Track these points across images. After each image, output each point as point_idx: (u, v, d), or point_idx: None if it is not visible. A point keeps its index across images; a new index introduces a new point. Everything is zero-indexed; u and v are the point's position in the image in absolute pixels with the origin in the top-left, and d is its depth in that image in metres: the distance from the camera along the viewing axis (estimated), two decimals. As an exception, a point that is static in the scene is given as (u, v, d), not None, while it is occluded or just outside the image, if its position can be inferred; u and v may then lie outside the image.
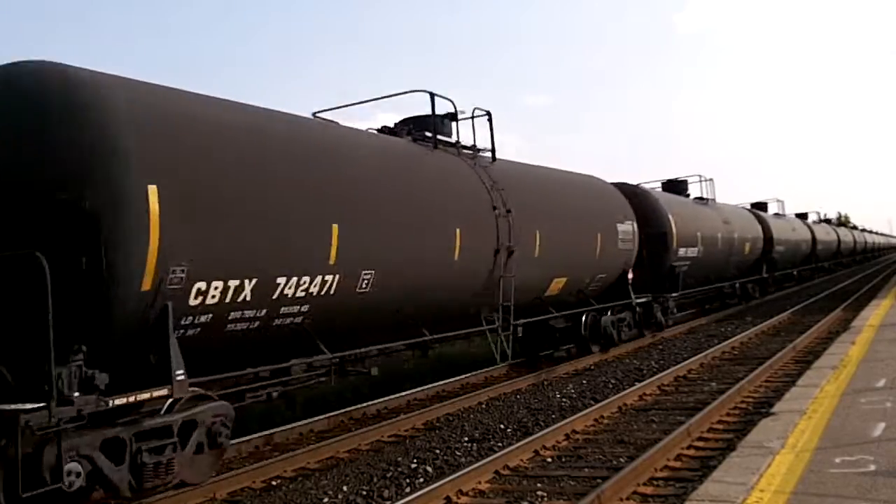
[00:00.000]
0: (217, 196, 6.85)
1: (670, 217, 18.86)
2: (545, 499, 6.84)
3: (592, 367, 14.73)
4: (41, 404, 5.52)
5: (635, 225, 16.50)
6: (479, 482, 7.33)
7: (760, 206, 35.55)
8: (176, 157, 6.58)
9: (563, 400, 11.53)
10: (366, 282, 8.61)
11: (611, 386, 12.55)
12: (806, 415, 7.91)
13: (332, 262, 8.02)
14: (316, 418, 10.36)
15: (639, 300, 16.67)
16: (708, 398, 10.79)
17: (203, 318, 6.84)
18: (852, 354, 11.91)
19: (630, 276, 16.28)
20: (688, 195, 23.69)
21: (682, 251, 19.49)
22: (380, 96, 12.75)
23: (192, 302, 6.64)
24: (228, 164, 7.12)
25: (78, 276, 5.87)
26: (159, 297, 6.30)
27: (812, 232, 40.39)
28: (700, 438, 8.61)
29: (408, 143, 11.01)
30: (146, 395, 6.33)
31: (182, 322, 6.65)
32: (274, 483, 7.95)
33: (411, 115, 11.76)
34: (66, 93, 6.18)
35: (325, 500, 7.28)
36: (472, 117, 12.36)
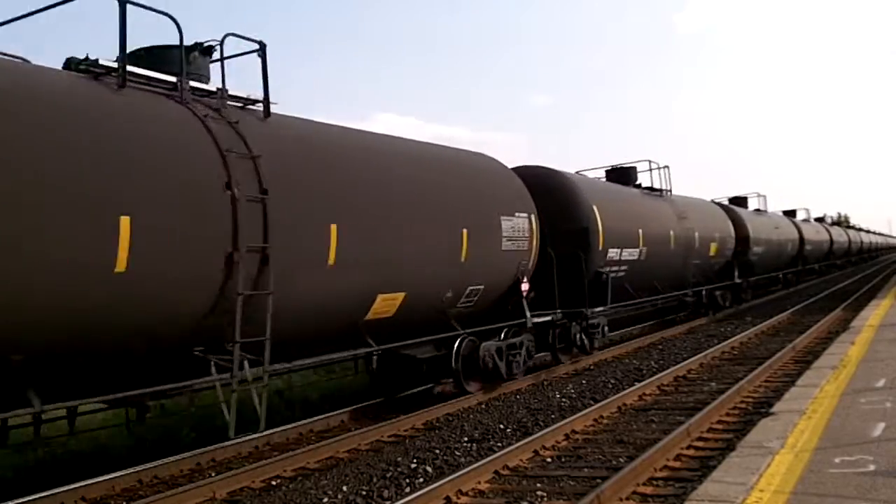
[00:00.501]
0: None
1: (594, 209, 14.93)
2: (545, 499, 6.84)
3: (592, 367, 14.73)
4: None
5: (534, 219, 12.71)
6: (479, 482, 7.33)
7: (739, 202, 31.23)
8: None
9: (563, 400, 11.53)
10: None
11: (610, 386, 12.55)
12: (805, 415, 7.91)
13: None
14: (315, 418, 10.36)
15: (539, 319, 12.97)
16: (707, 398, 10.79)
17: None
18: (852, 354, 11.91)
19: (524, 287, 12.42)
20: (638, 185, 19.72)
21: (612, 253, 15.77)
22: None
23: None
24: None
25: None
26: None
27: (799, 231, 36.91)
28: (700, 438, 8.60)
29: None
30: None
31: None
32: (274, 483, 7.95)
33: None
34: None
35: (325, 500, 7.28)
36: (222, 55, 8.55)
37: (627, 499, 6.66)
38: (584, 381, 13.08)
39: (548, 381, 13.35)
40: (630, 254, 16.63)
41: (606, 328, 15.91)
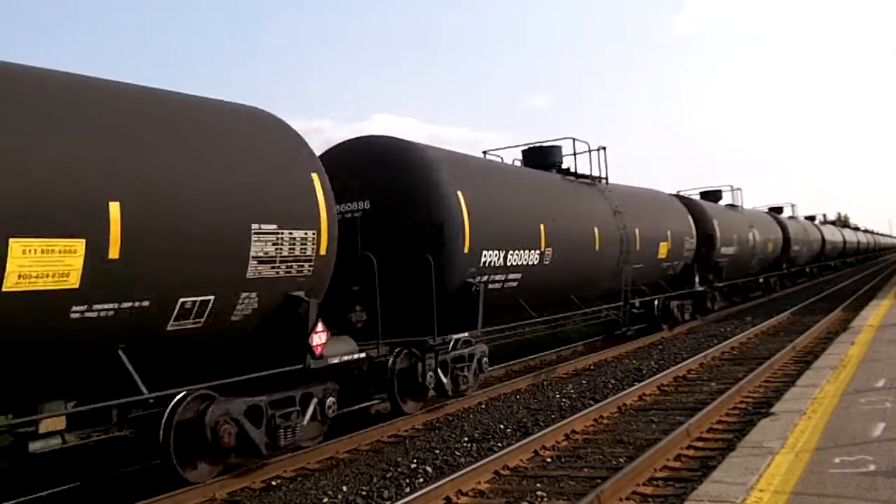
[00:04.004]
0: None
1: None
2: (545, 499, 6.84)
3: (592, 368, 14.74)
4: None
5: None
6: (479, 482, 7.33)
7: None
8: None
9: (563, 400, 11.53)
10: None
11: (610, 386, 12.56)
12: (805, 415, 7.91)
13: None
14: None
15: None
16: (707, 398, 10.79)
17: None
18: (852, 354, 11.91)
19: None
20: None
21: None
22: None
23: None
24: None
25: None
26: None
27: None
28: (700, 439, 8.61)
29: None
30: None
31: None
32: (274, 483, 7.95)
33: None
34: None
35: (325, 500, 7.29)
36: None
37: (627, 499, 6.66)
38: (583, 381, 13.08)
39: (548, 382, 13.35)
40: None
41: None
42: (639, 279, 17.61)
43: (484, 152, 14.98)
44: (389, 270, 9.84)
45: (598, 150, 16.83)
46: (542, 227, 12.96)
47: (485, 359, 11.72)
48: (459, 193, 10.89)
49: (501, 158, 14.93)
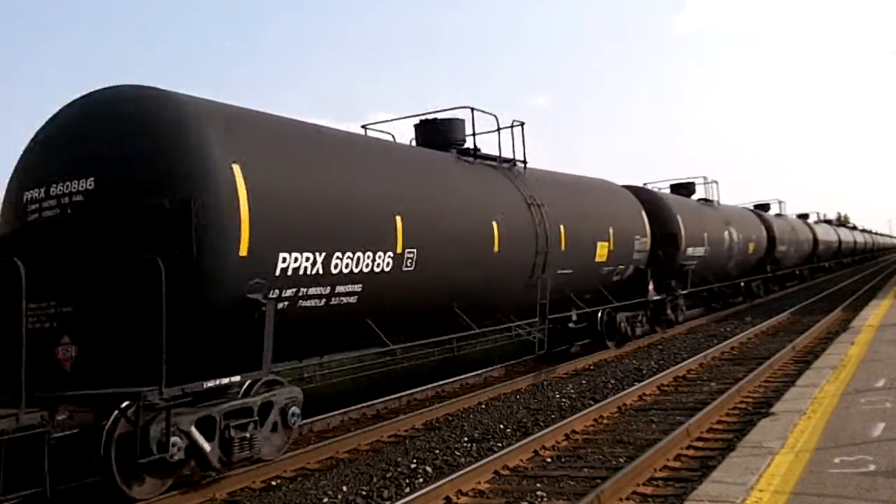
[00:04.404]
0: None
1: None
2: (545, 499, 6.84)
3: (592, 368, 14.74)
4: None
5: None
6: (479, 482, 7.33)
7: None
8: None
9: (563, 400, 11.53)
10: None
11: (610, 386, 12.56)
12: (805, 415, 7.91)
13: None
14: (315, 418, 10.35)
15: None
16: (707, 398, 10.79)
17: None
18: (852, 354, 11.91)
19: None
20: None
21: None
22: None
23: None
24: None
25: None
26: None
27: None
28: (699, 439, 8.61)
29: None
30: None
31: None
32: (274, 483, 7.95)
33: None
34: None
35: (325, 500, 7.29)
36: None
37: (627, 499, 6.66)
38: (583, 381, 13.08)
39: (548, 382, 13.35)
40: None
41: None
42: (568, 288, 14.20)
43: (363, 126, 12.05)
44: (110, 282, 6.97)
45: (512, 126, 13.54)
46: (398, 219, 9.57)
47: (294, 408, 8.18)
48: (236, 167, 7.47)
49: (394, 137, 12.08)
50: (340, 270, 8.60)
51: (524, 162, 13.70)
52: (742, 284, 27.18)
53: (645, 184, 21.68)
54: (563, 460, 8.16)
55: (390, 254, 9.34)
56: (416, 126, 12.78)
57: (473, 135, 12.73)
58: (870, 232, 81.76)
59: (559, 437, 8.95)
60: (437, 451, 8.77)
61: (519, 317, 12.82)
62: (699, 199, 24.40)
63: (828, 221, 52.82)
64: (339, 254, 8.55)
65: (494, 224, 11.60)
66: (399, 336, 10.31)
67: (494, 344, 14.60)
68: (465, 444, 9.09)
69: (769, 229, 29.74)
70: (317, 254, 8.23)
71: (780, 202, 36.63)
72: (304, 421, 9.02)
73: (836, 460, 6.13)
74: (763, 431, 7.41)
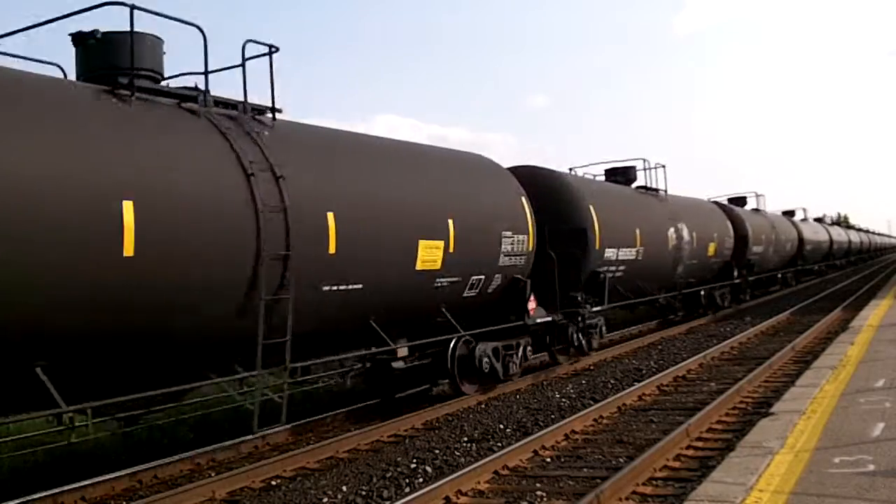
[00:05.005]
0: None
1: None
2: (544, 499, 6.84)
3: (592, 368, 14.74)
4: None
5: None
6: (479, 482, 7.33)
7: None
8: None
9: (563, 400, 11.53)
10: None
11: (610, 386, 12.56)
12: (805, 415, 7.91)
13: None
14: (314, 418, 10.35)
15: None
16: (707, 398, 10.79)
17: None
18: (851, 354, 11.92)
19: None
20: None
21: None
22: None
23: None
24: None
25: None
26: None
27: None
28: (699, 439, 8.61)
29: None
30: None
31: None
32: (273, 483, 7.96)
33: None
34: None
35: (325, 500, 7.29)
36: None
37: (627, 499, 6.66)
38: (583, 381, 13.08)
39: (547, 382, 13.35)
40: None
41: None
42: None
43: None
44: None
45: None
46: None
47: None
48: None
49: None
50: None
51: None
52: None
53: (572, 169, 17.73)
54: (562, 460, 8.17)
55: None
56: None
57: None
58: (867, 231, 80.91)
59: (559, 437, 8.95)
60: (436, 451, 8.77)
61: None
62: (638, 188, 20.31)
63: (819, 219, 50.28)
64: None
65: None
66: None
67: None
68: (464, 444, 9.09)
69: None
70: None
71: (757, 195, 32.12)
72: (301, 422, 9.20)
73: (836, 460, 6.13)
74: (763, 431, 7.41)
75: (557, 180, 15.33)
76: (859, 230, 72.88)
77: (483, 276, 11.50)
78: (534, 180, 14.01)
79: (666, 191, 20.75)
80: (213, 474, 8.26)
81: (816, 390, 9.20)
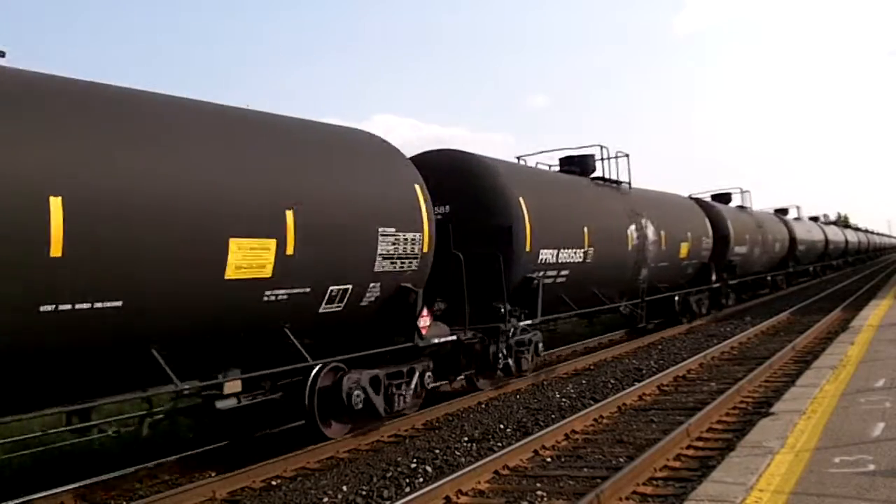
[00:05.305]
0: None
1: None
2: (545, 498, 6.84)
3: (592, 368, 14.74)
4: None
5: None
6: (479, 482, 7.33)
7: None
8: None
9: (563, 400, 11.53)
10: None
11: (610, 386, 12.56)
12: (805, 415, 7.92)
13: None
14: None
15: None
16: (707, 398, 10.79)
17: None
18: (851, 354, 11.92)
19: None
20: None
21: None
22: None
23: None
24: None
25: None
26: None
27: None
28: (699, 438, 8.61)
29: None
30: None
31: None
32: (274, 483, 7.96)
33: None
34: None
35: (325, 500, 7.29)
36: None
37: (627, 499, 6.67)
38: (583, 381, 13.08)
39: (547, 381, 13.36)
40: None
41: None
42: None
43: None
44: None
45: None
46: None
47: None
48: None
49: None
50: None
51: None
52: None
53: (520, 158, 15.95)
54: (562, 460, 8.17)
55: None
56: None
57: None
58: (866, 231, 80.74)
59: (559, 436, 8.95)
60: (437, 451, 8.77)
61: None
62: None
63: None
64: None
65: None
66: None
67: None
68: (465, 444, 9.09)
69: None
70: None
71: (742, 192, 29.57)
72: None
73: (836, 460, 6.14)
74: (763, 431, 7.41)
75: (479, 167, 12.48)
76: (857, 229, 72.08)
77: (350, 286, 8.83)
78: (450, 167, 12.13)
79: (629, 183, 17.92)
80: (213, 474, 8.26)
81: (817, 390, 9.20)
